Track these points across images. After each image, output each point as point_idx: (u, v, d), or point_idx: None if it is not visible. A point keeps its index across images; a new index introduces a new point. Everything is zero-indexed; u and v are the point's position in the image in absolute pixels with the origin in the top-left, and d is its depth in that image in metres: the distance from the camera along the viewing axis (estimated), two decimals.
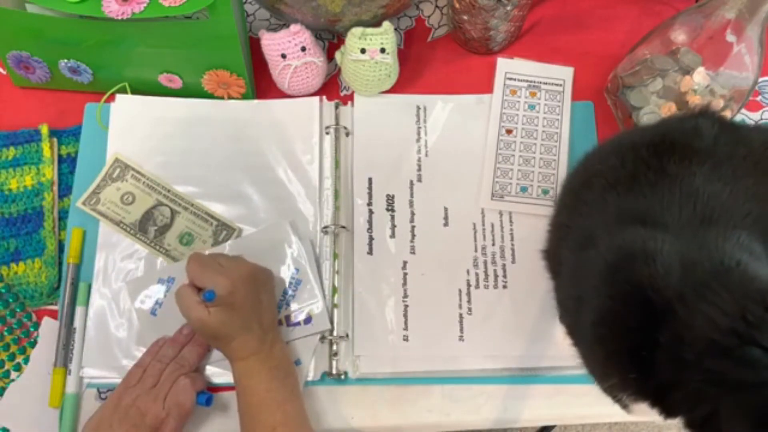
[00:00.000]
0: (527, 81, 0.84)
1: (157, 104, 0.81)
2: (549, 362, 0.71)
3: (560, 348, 0.71)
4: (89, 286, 0.73)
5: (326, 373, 0.71)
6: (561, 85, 0.84)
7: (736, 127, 0.60)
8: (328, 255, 0.75)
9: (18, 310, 0.73)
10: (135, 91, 0.81)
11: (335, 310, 0.73)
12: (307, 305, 0.72)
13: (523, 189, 0.78)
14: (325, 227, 0.76)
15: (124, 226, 0.75)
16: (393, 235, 0.76)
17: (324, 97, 0.83)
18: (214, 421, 0.69)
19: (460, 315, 0.73)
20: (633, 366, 0.47)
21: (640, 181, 0.55)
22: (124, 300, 0.73)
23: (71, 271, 0.73)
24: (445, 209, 0.78)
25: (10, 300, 0.73)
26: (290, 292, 0.73)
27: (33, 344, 0.72)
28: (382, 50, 0.77)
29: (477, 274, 0.75)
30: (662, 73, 0.77)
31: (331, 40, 0.88)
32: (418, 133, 0.81)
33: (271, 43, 0.78)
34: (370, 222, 0.77)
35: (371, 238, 0.76)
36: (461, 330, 0.72)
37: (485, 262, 0.75)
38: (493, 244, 0.76)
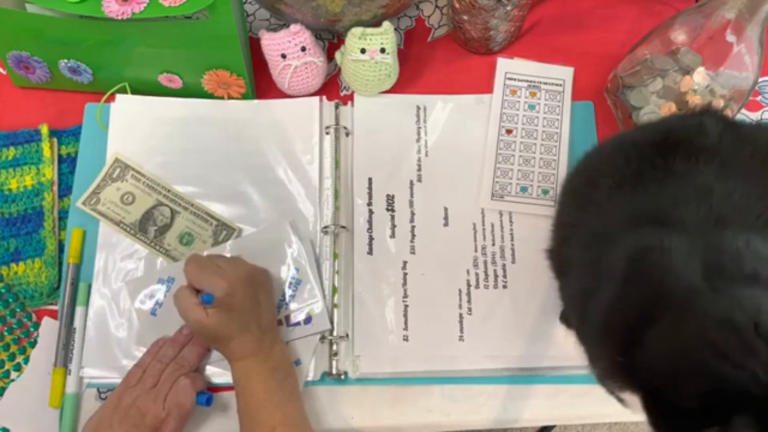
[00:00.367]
0: (527, 81, 0.84)
1: (157, 104, 0.81)
2: (549, 362, 0.71)
3: (560, 348, 0.71)
4: (89, 286, 0.73)
5: (326, 373, 0.71)
6: (561, 85, 0.84)
7: (740, 126, 0.60)
8: (328, 255, 0.75)
9: (18, 310, 0.73)
10: (135, 91, 0.81)
11: (335, 310, 0.73)
12: (307, 305, 0.72)
13: (523, 189, 0.78)
14: (325, 227, 0.76)
15: (124, 226, 0.75)
16: (393, 235, 0.76)
17: (324, 97, 0.83)
18: (214, 421, 0.69)
19: (460, 315, 0.73)
20: (624, 350, 0.47)
21: (647, 179, 0.55)
22: (124, 300, 0.73)
23: (71, 271, 0.73)
24: (445, 209, 0.78)
25: (10, 300, 0.73)
26: (290, 292, 0.73)
27: (33, 344, 0.72)
28: (382, 50, 0.77)
29: (477, 274, 0.75)
30: (662, 73, 0.78)
31: (331, 40, 0.88)
32: (418, 133, 0.81)
33: (271, 43, 0.78)
34: (370, 222, 0.77)
35: (371, 238, 0.76)
36: (461, 330, 0.72)
37: (485, 262, 0.75)
38: (493, 244, 0.76)
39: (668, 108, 0.77)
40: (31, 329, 0.73)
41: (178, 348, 0.69)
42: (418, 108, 0.83)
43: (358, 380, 0.71)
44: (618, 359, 0.48)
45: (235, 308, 0.64)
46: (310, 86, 0.81)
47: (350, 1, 0.76)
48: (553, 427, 1.18)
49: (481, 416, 0.70)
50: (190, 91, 0.81)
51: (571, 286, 0.61)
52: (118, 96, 0.81)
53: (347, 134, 0.81)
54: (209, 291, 0.63)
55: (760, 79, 0.82)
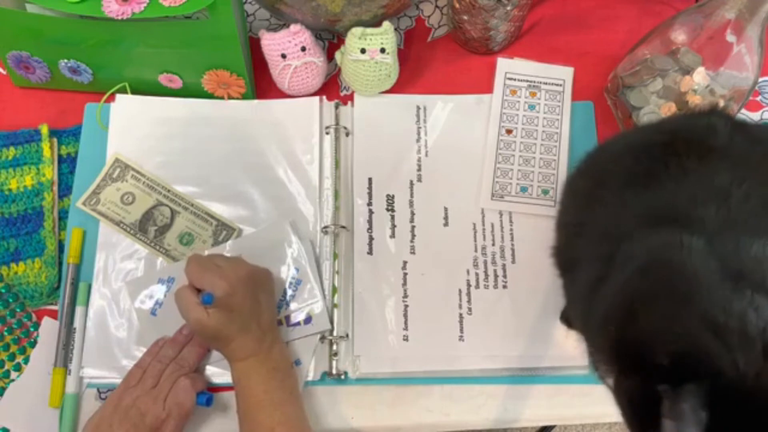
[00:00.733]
0: (527, 81, 0.84)
1: (157, 104, 0.81)
2: (549, 362, 0.71)
3: (560, 348, 0.71)
4: (89, 286, 0.73)
5: (326, 373, 0.71)
6: (561, 85, 0.84)
7: (748, 126, 0.60)
8: (328, 255, 0.75)
9: (18, 310, 0.73)
10: (135, 91, 0.81)
11: (335, 310, 0.73)
12: (307, 305, 0.72)
13: (523, 189, 0.78)
14: (325, 227, 0.76)
15: (124, 226, 0.75)
16: (393, 235, 0.76)
17: (324, 97, 0.83)
18: (214, 421, 0.69)
19: (460, 315, 0.73)
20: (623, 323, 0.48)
21: (661, 178, 0.55)
22: (124, 300, 0.73)
23: (71, 271, 0.73)
24: (445, 209, 0.78)
25: (10, 300, 0.73)
26: (290, 292, 0.73)
27: (33, 344, 0.72)
28: (382, 50, 0.77)
29: (477, 274, 0.75)
30: (662, 73, 0.78)
31: (331, 40, 0.88)
32: (418, 133, 0.81)
33: (271, 43, 0.78)
34: (370, 222, 0.77)
35: (371, 238, 0.76)
36: (461, 330, 0.72)
37: (485, 262, 0.75)
38: (493, 244, 0.76)
39: (668, 108, 0.77)
40: (31, 329, 0.73)
41: (178, 348, 0.69)
42: (418, 108, 0.83)
43: (358, 380, 0.71)
44: (611, 329, 0.48)
45: (235, 308, 0.64)
46: (310, 86, 0.81)
47: (350, 1, 0.76)
48: (553, 427, 1.18)
49: (481, 416, 0.70)
50: (190, 91, 0.81)
51: (578, 281, 0.60)
52: (118, 96, 0.81)
53: (347, 134, 0.81)
54: (210, 291, 0.63)
55: (760, 79, 0.82)
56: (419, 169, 0.80)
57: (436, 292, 0.74)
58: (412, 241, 0.76)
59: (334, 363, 0.71)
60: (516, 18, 0.81)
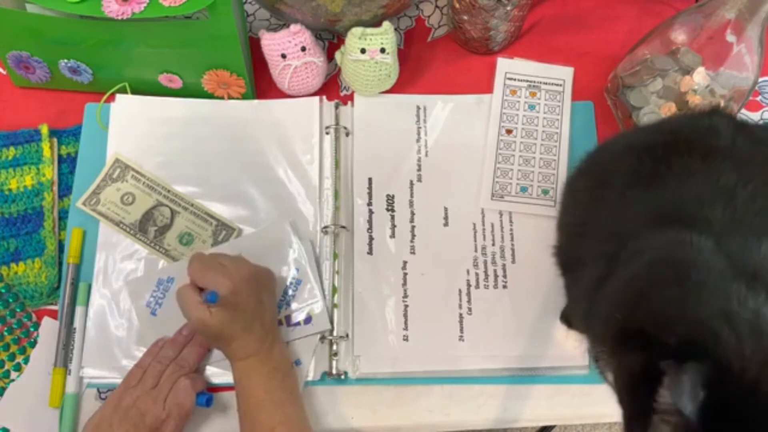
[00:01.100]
0: (527, 81, 0.84)
1: (157, 104, 0.81)
2: (549, 362, 0.71)
3: (560, 348, 0.71)
4: (89, 286, 0.73)
5: (326, 373, 0.71)
6: (561, 85, 0.84)
7: (750, 126, 0.60)
8: (328, 255, 0.75)
9: (18, 310, 0.73)
10: (135, 91, 0.81)
11: (335, 310, 0.73)
12: (307, 305, 0.72)
13: (523, 189, 0.78)
14: (325, 227, 0.76)
15: (124, 226, 0.75)
16: (393, 235, 0.76)
17: (324, 97, 0.83)
18: (214, 421, 0.69)
19: (460, 315, 0.73)
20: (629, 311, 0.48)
21: (666, 178, 0.55)
22: (124, 300, 0.73)
23: (71, 271, 0.73)
24: (445, 209, 0.78)
25: (10, 300, 0.73)
26: (290, 292, 0.73)
27: (33, 344, 0.72)
28: (382, 50, 0.77)
29: (477, 274, 0.75)
30: (662, 73, 0.78)
31: (331, 40, 0.88)
32: (418, 133, 0.81)
33: (271, 43, 0.78)
34: (370, 222, 0.77)
35: (371, 238, 0.76)
36: (461, 330, 0.72)
37: (485, 262, 0.75)
38: (493, 244, 0.76)
39: (668, 108, 0.77)
40: (31, 329, 0.73)
41: (178, 349, 0.69)
42: (418, 108, 0.83)
43: (358, 380, 0.71)
44: (617, 317, 0.48)
45: (239, 307, 0.64)
46: (310, 86, 0.81)
47: (350, 1, 0.76)
48: (553, 427, 1.18)
49: (481, 416, 0.70)
50: (190, 91, 0.81)
51: (581, 279, 0.61)
52: (118, 96, 0.81)
53: (347, 134, 0.81)
54: (213, 289, 0.63)
55: (760, 79, 0.81)
56: (419, 169, 0.80)
57: (436, 292, 0.74)
58: (412, 241, 0.76)
59: (334, 363, 0.71)
60: (516, 18, 0.81)
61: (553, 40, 0.87)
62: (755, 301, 0.44)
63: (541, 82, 0.84)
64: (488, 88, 0.84)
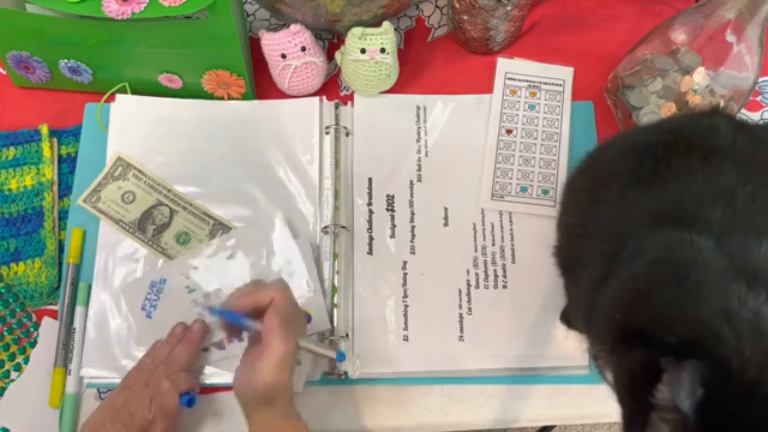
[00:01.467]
0: (527, 81, 0.84)
1: (157, 104, 0.81)
2: (549, 362, 0.71)
3: (560, 348, 0.71)
4: (89, 286, 0.73)
5: (326, 373, 0.71)
6: (561, 85, 0.84)
7: (750, 127, 0.60)
8: (328, 255, 0.75)
9: (18, 310, 0.73)
10: (135, 91, 0.81)
11: (335, 310, 0.73)
12: (306, 305, 0.72)
13: (523, 189, 0.78)
14: (325, 227, 0.76)
15: (123, 224, 0.76)
16: (393, 235, 0.76)
17: (324, 97, 0.83)
18: (212, 421, 0.69)
19: (460, 315, 0.73)
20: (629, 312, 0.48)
21: (665, 179, 0.55)
22: (124, 301, 0.73)
23: (71, 271, 0.73)
24: (445, 209, 0.78)
25: (10, 300, 0.73)
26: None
27: (33, 344, 0.72)
28: (382, 50, 0.77)
29: (477, 274, 0.75)
30: (662, 73, 0.78)
31: (331, 40, 0.88)
32: (418, 133, 0.82)
33: (271, 43, 0.78)
34: (370, 222, 0.77)
35: (371, 238, 0.76)
36: (461, 330, 0.72)
37: (485, 262, 0.75)
38: (493, 244, 0.76)
39: (668, 108, 0.77)
40: (31, 329, 0.73)
41: (169, 348, 0.69)
42: (418, 108, 0.83)
43: (358, 380, 0.71)
44: (617, 316, 0.48)
45: (290, 366, 0.61)
46: (310, 86, 0.81)
47: (350, 1, 0.76)
48: (553, 427, 1.18)
49: (481, 416, 0.70)
50: (190, 91, 0.81)
51: (581, 279, 0.61)
52: (118, 96, 0.81)
53: (347, 134, 0.81)
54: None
55: (760, 79, 0.81)
56: (419, 169, 0.80)
57: (436, 292, 0.74)
58: (412, 241, 0.76)
59: (334, 363, 0.71)
60: (516, 18, 0.81)
61: (553, 40, 0.87)
62: (755, 301, 0.44)
63: (541, 82, 0.84)
64: (488, 88, 0.84)
